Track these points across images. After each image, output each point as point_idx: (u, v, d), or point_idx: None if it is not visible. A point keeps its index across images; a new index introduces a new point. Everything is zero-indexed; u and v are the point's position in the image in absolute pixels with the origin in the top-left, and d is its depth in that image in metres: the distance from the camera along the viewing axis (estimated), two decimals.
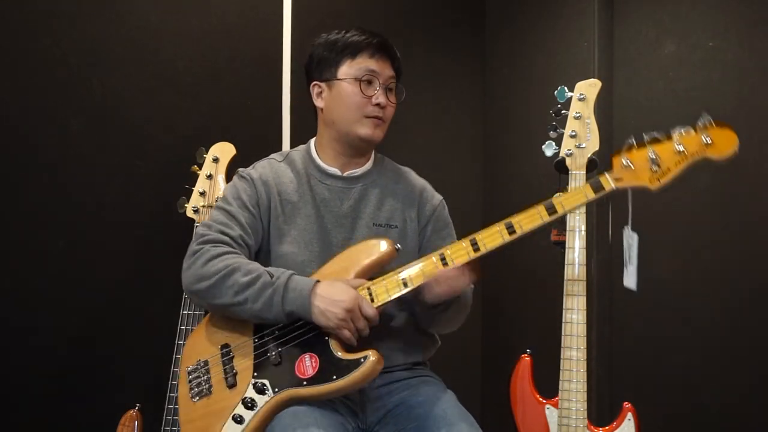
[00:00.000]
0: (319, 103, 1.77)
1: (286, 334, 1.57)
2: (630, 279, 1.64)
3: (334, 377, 1.51)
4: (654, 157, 1.56)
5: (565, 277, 1.80)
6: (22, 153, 2.17)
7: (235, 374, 1.57)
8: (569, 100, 1.86)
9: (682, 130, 1.57)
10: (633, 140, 1.61)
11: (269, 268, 1.58)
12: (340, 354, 1.53)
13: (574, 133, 1.83)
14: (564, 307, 1.80)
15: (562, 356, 1.79)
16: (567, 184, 1.84)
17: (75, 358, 2.22)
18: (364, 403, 1.66)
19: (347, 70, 1.71)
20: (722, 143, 1.56)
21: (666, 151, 1.57)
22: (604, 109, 2.54)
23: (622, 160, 1.58)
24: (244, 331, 1.61)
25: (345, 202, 1.74)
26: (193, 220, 2.10)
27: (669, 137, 1.57)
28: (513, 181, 2.89)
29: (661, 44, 2.45)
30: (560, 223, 2.43)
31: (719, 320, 2.27)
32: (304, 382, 1.53)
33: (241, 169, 1.78)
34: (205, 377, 1.59)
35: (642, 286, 2.51)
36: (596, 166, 1.85)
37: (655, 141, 1.58)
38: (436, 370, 1.81)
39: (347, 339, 1.54)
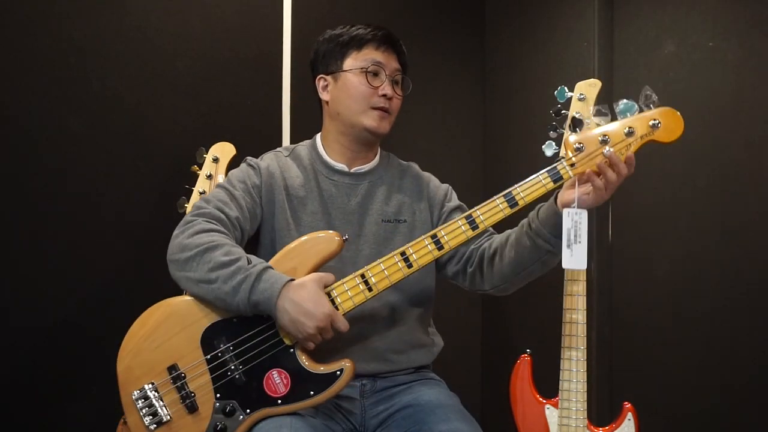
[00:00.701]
0: (324, 96, 1.76)
1: (244, 352, 1.50)
2: (580, 258, 1.56)
3: (312, 393, 1.48)
4: (605, 139, 1.52)
5: (565, 277, 1.80)
6: (22, 153, 2.17)
7: (194, 397, 1.49)
8: (569, 100, 1.86)
9: (629, 105, 1.53)
10: (581, 116, 1.59)
11: (251, 256, 1.54)
12: (313, 368, 1.48)
13: None
14: (564, 307, 1.80)
15: (562, 356, 1.79)
16: None
17: (75, 357, 2.22)
18: (364, 406, 1.65)
19: (353, 61, 1.71)
20: (670, 126, 1.52)
21: (616, 134, 1.53)
22: None
23: (574, 144, 1.54)
24: (190, 348, 1.51)
25: (352, 198, 1.73)
26: None
27: (615, 117, 1.54)
28: (513, 181, 2.89)
29: (661, 44, 2.45)
30: None
31: (719, 320, 2.27)
32: (279, 401, 1.48)
33: (249, 158, 1.76)
34: (159, 403, 1.50)
35: (642, 286, 2.52)
36: None
37: (601, 115, 1.55)
38: (436, 370, 1.81)
39: (309, 348, 1.49)
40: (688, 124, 2.38)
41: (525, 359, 1.89)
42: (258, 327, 1.51)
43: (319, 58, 1.77)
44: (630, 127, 1.52)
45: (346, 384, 1.49)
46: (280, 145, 2.53)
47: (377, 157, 1.80)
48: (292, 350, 1.50)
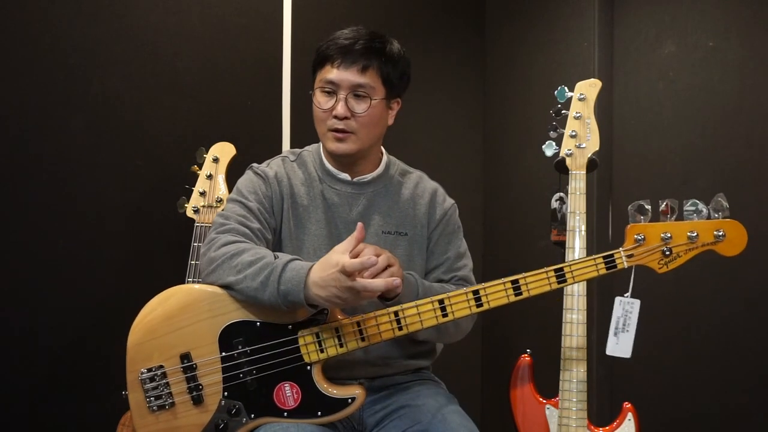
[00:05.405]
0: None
1: (260, 360, 1.49)
2: (626, 346, 1.62)
3: (319, 413, 1.48)
4: (667, 237, 1.54)
5: None
6: (22, 153, 2.17)
7: (201, 390, 1.48)
8: (569, 100, 1.86)
9: (698, 208, 1.54)
10: (648, 206, 1.57)
11: (278, 252, 1.52)
12: (326, 390, 1.49)
13: (574, 133, 1.83)
14: (564, 307, 1.80)
15: (562, 356, 1.79)
16: (567, 184, 1.84)
17: (75, 358, 2.22)
18: (363, 406, 1.64)
19: (317, 80, 1.67)
20: (734, 240, 1.55)
21: (679, 235, 1.55)
22: (604, 109, 2.54)
23: (635, 235, 1.55)
24: (207, 341, 1.49)
25: (354, 208, 1.70)
26: (193, 220, 2.10)
27: (682, 218, 1.54)
28: (513, 181, 2.89)
29: (661, 44, 2.45)
30: (560, 223, 2.44)
31: (719, 320, 2.27)
32: (285, 413, 1.48)
33: (255, 165, 1.72)
34: (164, 386, 1.48)
35: (641, 287, 2.52)
36: (596, 166, 1.85)
37: (669, 212, 1.54)
38: (436, 371, 1.81)
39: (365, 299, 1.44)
40: (688, 123, 2.40)
41: (525, 359, 1.89)
42: (280, 338, 1.50)
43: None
44: (695, 231, 1.54)
45: (355, 411, 1.50)
46: (280, 145, 2.54)
47: (381, 165, 1.75)
48: (309, 368, 1.49)
